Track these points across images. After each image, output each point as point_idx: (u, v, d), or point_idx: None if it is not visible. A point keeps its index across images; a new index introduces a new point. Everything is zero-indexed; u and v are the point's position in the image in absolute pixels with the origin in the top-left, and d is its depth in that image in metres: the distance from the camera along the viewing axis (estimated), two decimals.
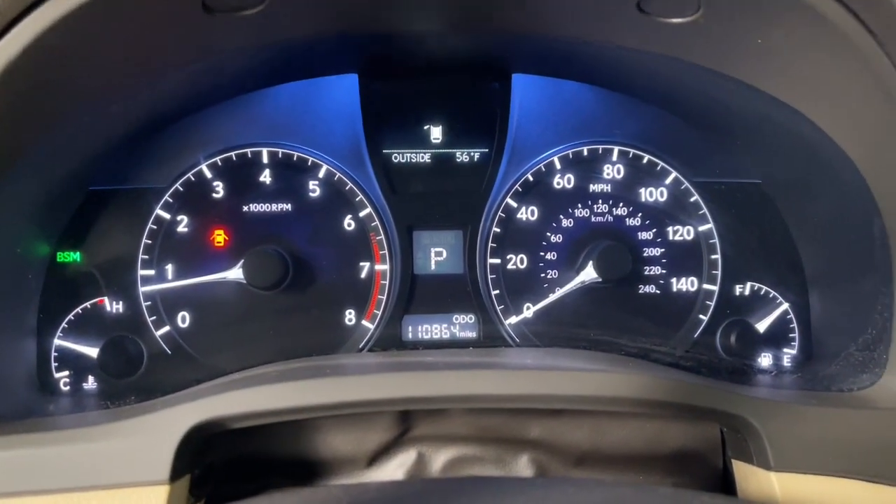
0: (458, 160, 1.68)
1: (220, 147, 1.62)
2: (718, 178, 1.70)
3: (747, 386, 1.44)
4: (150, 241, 1.59)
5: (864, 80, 1.16)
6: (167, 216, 1.60)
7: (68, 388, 1.55)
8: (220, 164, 1.62)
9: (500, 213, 1.67)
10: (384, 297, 1.64)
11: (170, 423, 1.10)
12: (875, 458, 1.16)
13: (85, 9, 1.01)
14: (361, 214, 1.65)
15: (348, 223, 1.65)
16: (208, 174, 1.61)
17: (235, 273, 1.57)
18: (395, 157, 1.67)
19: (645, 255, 1.69)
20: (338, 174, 1.64)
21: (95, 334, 1.57)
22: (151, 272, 1.59)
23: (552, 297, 1.66)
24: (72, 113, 1.26)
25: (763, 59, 1.26)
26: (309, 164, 1.64)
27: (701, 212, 1.69)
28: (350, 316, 1.64)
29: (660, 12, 1.21)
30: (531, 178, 1.68)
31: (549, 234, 1.68)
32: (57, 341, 1.55)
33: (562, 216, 1.68)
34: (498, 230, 1.67)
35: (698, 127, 1.68)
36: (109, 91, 1.28)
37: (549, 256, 1.68)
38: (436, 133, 1.68)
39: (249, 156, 1.63)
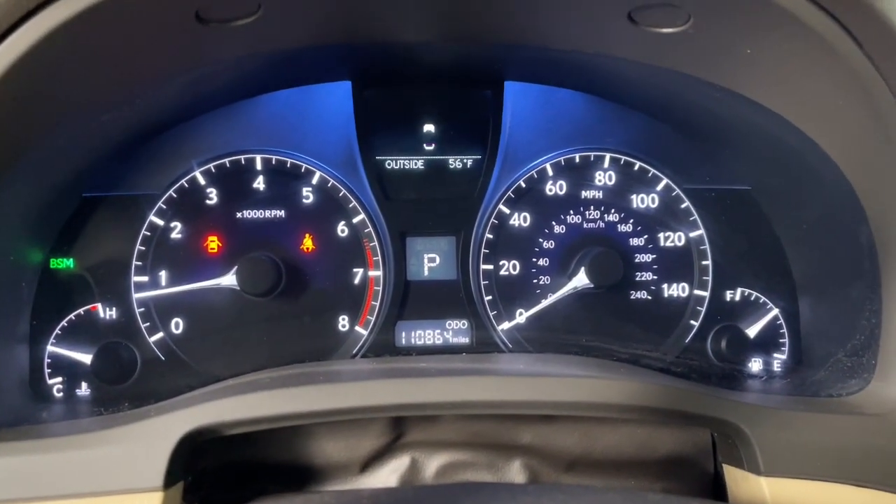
0: (451, 167, 1.69)
1: (214, 154, 1.62)
2: (709, 185, 1.71)
3: (738, 391, 1.45)
4: (143, 248, 1.59)
5: (851, 90, 1.17)
6: (161, 223, 1.60)
7: (61, 394, 1.55)
8: (213, 170, 1.62)
9: (492, 219, 1.67)
10: (377, 304, 1.65)
11: (163, 429, 1.10)
12: (863, 462, 1.17)
13: (79, 20, 1.01)
14: (355, 221, 1.65)
15: (341, 229, 1.65)
16: (202, 181, 1.62)
17: (229, 279, 1.57)
18: (389, 164, 1.67)
19: (636, 261, 1.70)
20: (331, 181, 1.64)
21: (89, 341, 1.56)
22: (145, 279, 1.59)
23: (544, 303, 1.67)
24: (65, 121, 1.26)
25: (752, 69, 1.28)
26: (302, 170, 1.64)
27: (692, 218, 1.70)
28: (343, 322, 1.65)
29: (650, 23, 1.22)
30: (523, 185, 1.68)
31: (541, 240, 1.69)
32: (50, 348, 1.55)
33: (554, 222, 1.69)
34: (491, 236, 1.67)
35: (689, 134, 1.70)
36: (103, 99, 1.28)
37: (541, 262, 1.69)
38: (429, 140, 1.68)
39: (243, 162, 1.63)
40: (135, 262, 1.59)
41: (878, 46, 1.10)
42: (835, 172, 1.34)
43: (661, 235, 1.71)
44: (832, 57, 1.13)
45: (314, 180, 1.64)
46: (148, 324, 1.59)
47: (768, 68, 1.25)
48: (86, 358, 1.55)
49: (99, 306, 1.58)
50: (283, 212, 1.64)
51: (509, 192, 1.68)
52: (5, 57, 1.02)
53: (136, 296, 1.58)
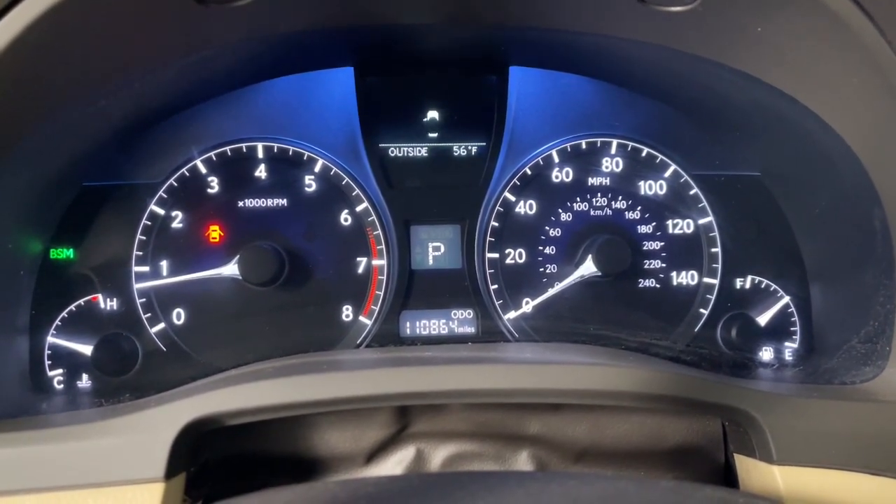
0: (456, 154, 1.66)
1: (215, 142, 1.60)
2: (718, 171, 1.69)
3: (749, 379, 1.43)
4: (144, 238, 1.58)
5: (865, 69, 1.15)
6: (161, 212, 1.58)
7: (62, 386, 1.54)
8: (214, 158, 1.60)
9: (498, 207, 1.65)
10: (381, 293, 1.63)
11: (165, 419, 1.09)
12: (878, 450, 1.16)
13: (74, 0, 0.99)
14: (358, 209, 1.63)
15: (345, 218, 1.63)
16: (203, 169, 1.60)
17: (231, 269, 1.55)
18: (392, 151, 1.65)
19: (644, 248, 1.67)
20: (334, 169, 1.62)
21: (89, 332, 1.55)
22: (146, 269, 1.57)
23: (551, 292, 1.65)
24: (63, 107, 1.24)
25: (763, 49, 1.25)
26: (305, 158, 1.62)
27: (700, 205, 1.68)
28: (347, 312, 1.63)
29: (658, 1, 1.19)
30: (529, 172, 1.66)
31: (547, 228, 1.67)
32: (50, 339, 1.53)
33: (560, 210, 1.67)
34: (496, 224, 1.65)
35: (697, 119, 1.67)
36: (101, 85, 1.26)
37: (547, 251, 1.66)
38: (432, 127, 1.66)
39: (244, 150, 1.61)
40: (135, 252, 1.57)
41: (891, 22, 1.08)
42: (847, 155, 1.31)
43: (669, 222, 1.68)
44: (844, 34, 1.11)
45: (316, 168, 1.62)
46: (149, 314, 1.57)
47: (779, 47, 1.23)
48: (86, 349, 1.54)
49: (99, 297, 1.56)
50: (285, 200, 1.62)
51: (515, 180, 1.66)
52: None
53: (136, 286, 1.57)
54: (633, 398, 1.16)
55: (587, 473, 1.22)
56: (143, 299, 1.57)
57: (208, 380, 1.30)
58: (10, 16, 0.99)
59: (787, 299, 1.67)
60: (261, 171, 1.61)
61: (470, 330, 1.66)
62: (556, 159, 1.67)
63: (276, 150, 1.62)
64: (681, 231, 1.68)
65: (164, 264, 1.58)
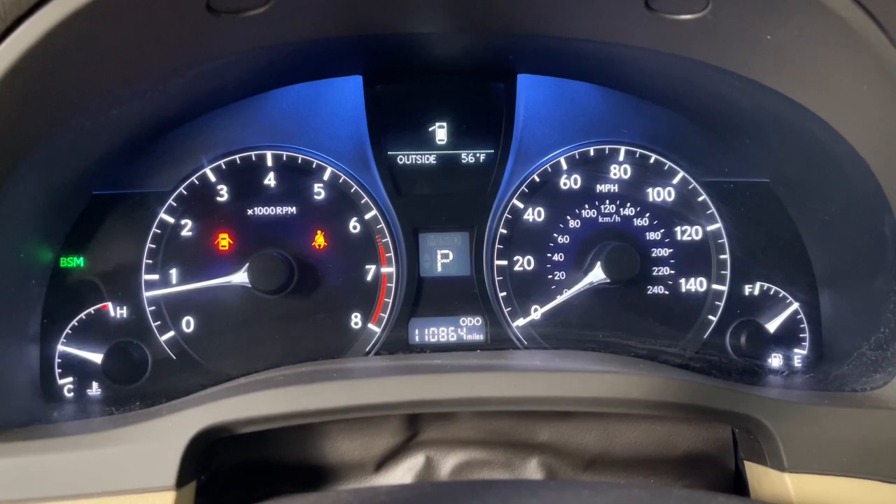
0: (464, 161, 1.67)
1: (225, 150, 1.61)
2: (726, 178, 1.68)
3: (759, 387, 1.43)
4: (154, 246, 1.58)
5: (874, 77, 1.15)
6: (171, 220, 1.59)
7: (72, 394, 1.54)
8: (224, 167, 1.61)
9: (506, 214, 1.65)
10: (390, 301, 1.63)
11: (175, 428, 1.09)
12: (889, 457, 1.15)
13: (87, 11, 0.99)
14: (367, 217, 1.63)
15: (353, 226, 1.63)
16: (212, 178, 1.60)
17: (240, 277, 1.55)
18: (401, 159, 1.66)
19: (653, 255, 1.67)
20: (343, 176, 1.63)
21: (99, 340, 1.55)
22: (155, 277, 1.58)
23: (560, 299, 1.64)
24: (75, 117, 1.24)
25: (772, 56, 1.25)
26: (314, 166, 1.63)
27: (709, 211, 1.68)
28: (356, 319, 1.63)
29: (667, 9, 1.19)
30: (537, 179, 1.66)
31: (556, 235, 1.66)
32: (60, 347, 1.54)
33: (569, 217, 1.67)
34: (504, 231, 1.65)
35: (706, 126, 1.67)
36: (113, 94, 1.26)
37: (556, 258, 1.66)
38: (441, 134, 1.67)
39: (254, 159, 1.61)
40: (145, 261, 1.58)
41: None
42: (857, 161, 1.31)
43: (678, 229, 1.68)
44: (855, 42, 1.11)
45: (325, 176, 1.63)
46: (159, 323, 1.57)
47: (789, 55, 1.23)
48: (96, 357, 1.54)
49: (109, 305, 1.57)
50: (294, 208, 1.62)
51: (523, 187, 1.66)
52: (12, 51, 1.00)
53: (146, 294, 1.57)
54: (643, 406, 1.15)
55: (599, 482, 1.22)
56: (153, 307, 1.57)
57: (218, 388, 1.30)
58: (23, 27, 0.99)
59: (796, 306, 1.66)
60: (270, 180, 1.62)
61: (479, 337, 1.66)
62: (565, 166, 1.67)
63: (285, 159, 1.62)
64: (689, 238, 1.68)
65: (173, 272, 1.58)
